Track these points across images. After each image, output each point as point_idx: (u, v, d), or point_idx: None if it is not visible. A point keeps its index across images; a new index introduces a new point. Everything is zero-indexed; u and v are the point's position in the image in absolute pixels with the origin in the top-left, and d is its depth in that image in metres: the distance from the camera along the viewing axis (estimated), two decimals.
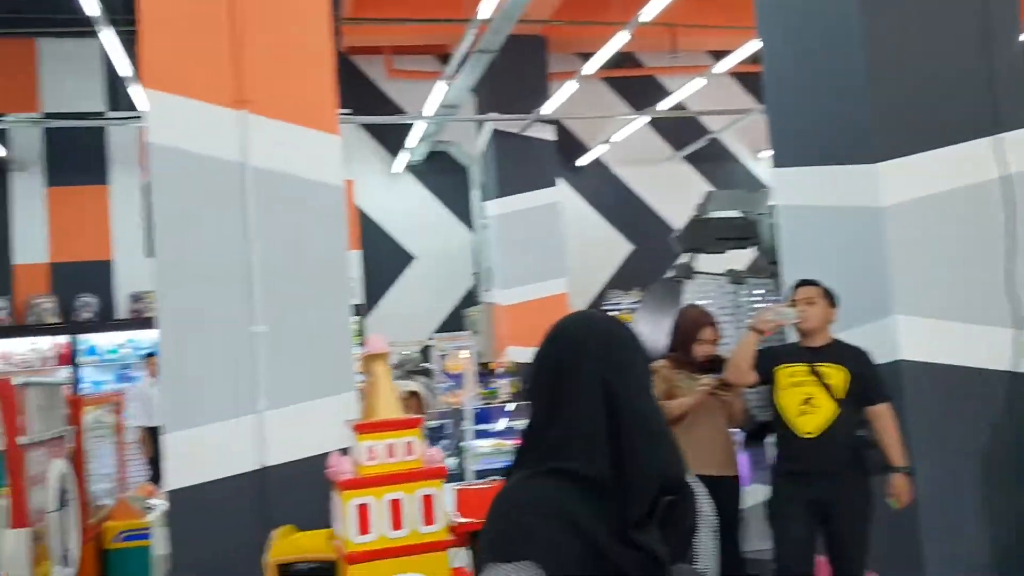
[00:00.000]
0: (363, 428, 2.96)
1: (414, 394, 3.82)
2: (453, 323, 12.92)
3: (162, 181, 4.25)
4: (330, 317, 4.33)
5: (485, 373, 10.49)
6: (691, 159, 14.04)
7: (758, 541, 4.89)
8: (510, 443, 8.44)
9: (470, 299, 13.24)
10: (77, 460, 5.04)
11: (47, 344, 11.68)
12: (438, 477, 2.93)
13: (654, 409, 1.53)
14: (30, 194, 12.16)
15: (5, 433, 3.93)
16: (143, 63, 4.31)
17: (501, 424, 8.87)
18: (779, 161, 5.20)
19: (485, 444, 8.25)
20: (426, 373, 9.46)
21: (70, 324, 11.86)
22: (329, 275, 4.35)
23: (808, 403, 4.00)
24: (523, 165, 11.83)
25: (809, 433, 3.99)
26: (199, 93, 4.26)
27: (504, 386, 10.41)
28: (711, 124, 13.77)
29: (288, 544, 3.36)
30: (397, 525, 2.85)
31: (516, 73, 11.44)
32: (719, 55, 11.40)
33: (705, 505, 1.57)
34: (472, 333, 11.91)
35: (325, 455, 3.16)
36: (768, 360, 4.16)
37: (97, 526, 5.38)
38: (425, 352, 10.30)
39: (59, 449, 4.68)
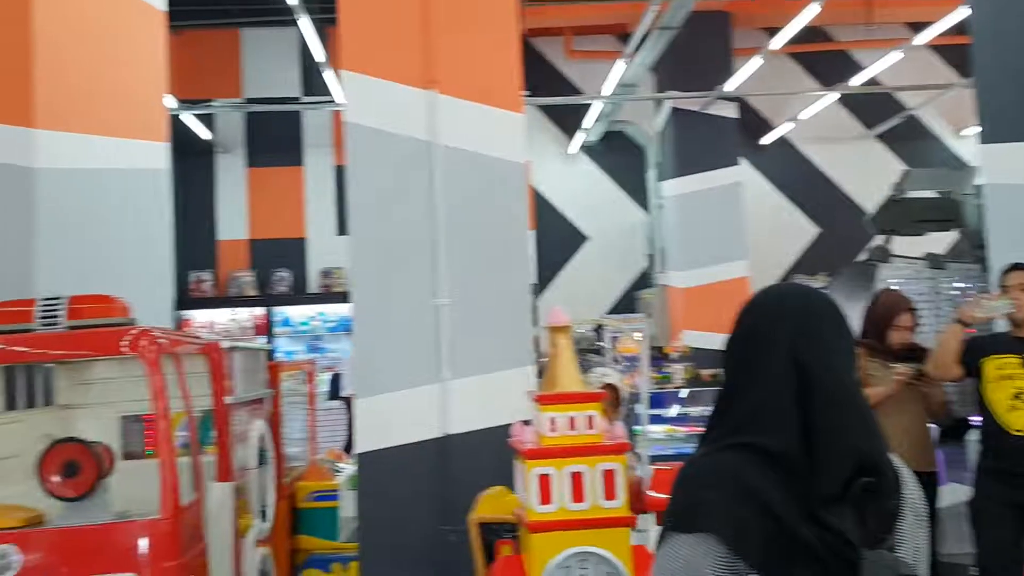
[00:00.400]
0: (545, 399, 2.99)
1: (610, 386, 3.79)
2: (625, 305, 12.84)
3: (357, 159, 4.45)
4: (511, 291, 4.40)
5: (658, 357, 10.36)
6: (884, 137, 13.24)
7: (954, 544, 4.59)
8: (683, 430, 8.32)
9: (643, 281, 13.11)
10: (274, 422, 5.38)
11: (246, 315, 12.55)
12: (620, 452, 2.92)
13: (852, 385, 1.45)
14: (233, 175, 13.07)
15: (214, 393, 4.23)
16: (342, 46, 4.52)
17: (674, 410, 8.74)
18: (988, 137, 4.82)
19: (658, 429, 8.15)
20: (598, 353, 9.45)
21: (267, 297, 12.70)
22: (511, 250, 4.42)
23: (1020, 398, 3.70)
24: (703, 144, 11.55)
25: (1020, 431, 3.69)
26: (391, 74, 4.42)
27: (678, 371, 10.23)
28: (907, 100, 12.93)
29: (493, 503, 3.45)
30: (578, 498, 2.86)
31: (698, 50, 11.15)
32: (918, 27, 10.68)
33: (913, 492, 1.47)
34: (645, 316, 11.79)
35: (504, 426, 3.22)
36: (974, 351, 3.87)
37: (290, 485, 5.73)
38: (597, 332, 10.29)
39: (259, 410, 5.00)
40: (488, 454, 4.09)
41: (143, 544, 3.14)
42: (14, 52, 5.12)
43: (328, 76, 10.41)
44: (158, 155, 6.51)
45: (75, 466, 3.34)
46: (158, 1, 6.60)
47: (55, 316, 3.63)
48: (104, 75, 5.93)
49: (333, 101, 11.47)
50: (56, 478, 3.32)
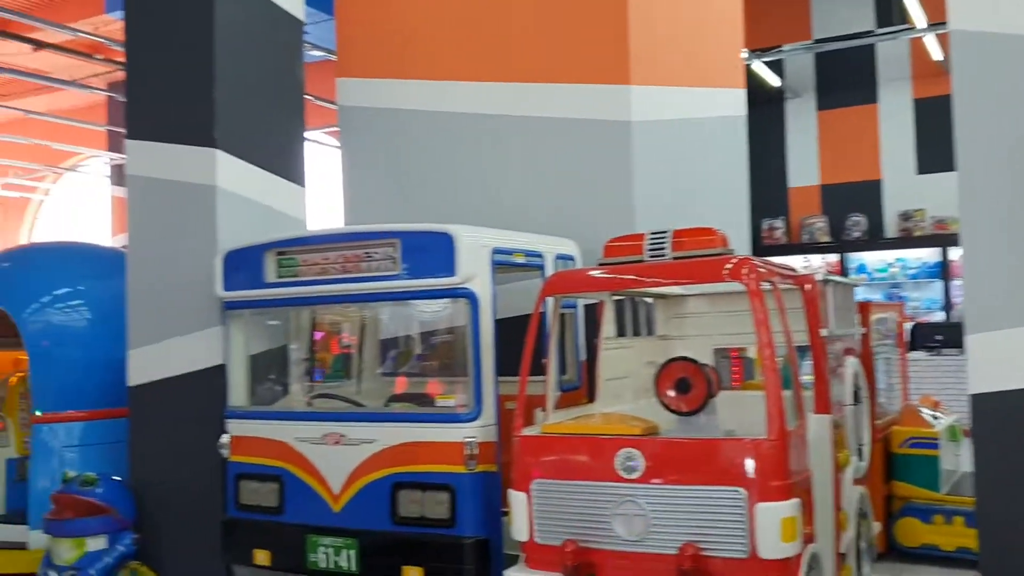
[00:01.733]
0: None
1: None
2: None
3: (964, 71, 3.95)
4: None
5: None
6: None
7: None
8: None
9: None
10: (866, 361, 5.14)
11: (818, 261, 12.34)
12: None
13: None
14: (802, 120, 12.87)
15: (808, 325, 4.16)
16: None
17: None
18: None
19: None
20: None
21: (840, 243, 12.33)
22: None
23: None
24: None
25: None
26: None
27: None
28: None
29: None
30: None
31: None
32: None
33: None
34: None
35: None
36: None
37: (884, 429, 5.46)
38: None
39: (852, 348, 4.82)
40: None
41: (751, 462, 3.22)
42: (614, 19, 5.62)
43: (909, 1, 9.59)
44: (736, 103, 6.65)
45: (687, 384, 3.54)
46: None
47: (662, 248, 3.88)
48: (687, 30, 6.22)
49: (912, 28, 10.57)
50: (671, 393, 3.56)
